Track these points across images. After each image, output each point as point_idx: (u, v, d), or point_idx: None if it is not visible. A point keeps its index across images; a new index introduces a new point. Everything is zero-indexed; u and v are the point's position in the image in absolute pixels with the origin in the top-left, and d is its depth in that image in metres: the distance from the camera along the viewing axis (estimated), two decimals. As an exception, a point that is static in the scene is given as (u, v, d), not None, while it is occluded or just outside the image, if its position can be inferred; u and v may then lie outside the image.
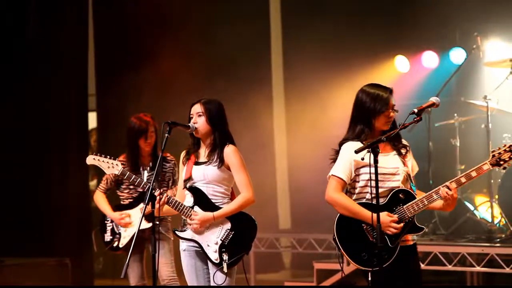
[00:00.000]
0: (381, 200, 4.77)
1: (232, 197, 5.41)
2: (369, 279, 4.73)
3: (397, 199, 4.80)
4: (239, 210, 5.33)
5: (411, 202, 4.78)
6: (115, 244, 6.59)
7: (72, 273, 9.07)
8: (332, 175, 4.99)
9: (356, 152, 4.72)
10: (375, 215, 4.62)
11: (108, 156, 6.06)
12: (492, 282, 8.54)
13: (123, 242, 6.55)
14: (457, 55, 9.20)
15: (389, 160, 4.88)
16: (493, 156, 4.65)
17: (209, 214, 5.28)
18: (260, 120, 10.48)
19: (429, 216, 8.29)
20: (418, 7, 9.34)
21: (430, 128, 8.42)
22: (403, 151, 4.91)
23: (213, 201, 5.33)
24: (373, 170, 4.63)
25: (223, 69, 10.39)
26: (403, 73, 9.87)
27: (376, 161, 4.63)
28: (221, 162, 5.30)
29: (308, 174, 10.30)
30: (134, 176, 6.08)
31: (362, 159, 4.68)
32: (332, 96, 10.09)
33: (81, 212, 9.88)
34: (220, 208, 5.31)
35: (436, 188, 4.76)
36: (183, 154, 5.49)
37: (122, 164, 6.42)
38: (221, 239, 5.28)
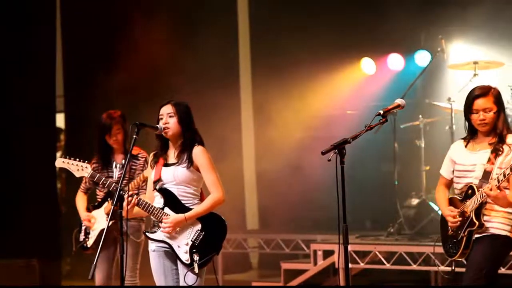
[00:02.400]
0: (462, 195, 5.09)
1: (201, 197, 5.41)
2: (453, 268, 5.27)
3: (467, 194, 5.06)
4: (210, 211, 5.34)
5: (471, 198, 5.00)
6: (85, 244, 6.59)
7: (39, 274, 9.01)
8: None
9: (323, 153, 4.74)
10: (442, 209, 5.23)
11: (78, 159, 6.05)
12: (456, 282, 8.62)
13: (90, 242, 6.54)
14: (422, 58, 9.29)
15: (469, 157, 5.10)
16: None
17: (181, 216, 5.28)
18: (228, 121, 10.48)
19: (394, 217, 8.35)
20: (384, 11, 9.41)
21: (396, 129, 8.48)
22: (500, 150, 5.00)
23: (183, 202, 5.33)
24: (458, 167, 5.11)
25: (191, 70, 10.37)
26: (370, 75, 9.94)
27: (342, 162, 4.66)
28: (190, 163, 5.31)
29: (276, 175, 10.35)
30: (104, 178, 6.06)
31: (329, 160, 4.71)
32: (299, 97, 10.14)
33: (49, 213, 9.80)
34: (190, 209, 5.32)
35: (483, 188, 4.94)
36: (151, 156, 5.50)
37: (95, 162, 6.43)
38: (191, 240, 5.29)
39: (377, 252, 7.76)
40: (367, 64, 9.92)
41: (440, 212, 8.05)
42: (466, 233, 5.02)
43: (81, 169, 6.01)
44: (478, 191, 4.96)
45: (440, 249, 7.38)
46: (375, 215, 9.53)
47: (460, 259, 5.15)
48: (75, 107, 10.63)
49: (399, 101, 5.02)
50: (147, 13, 10.34)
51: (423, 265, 7.59)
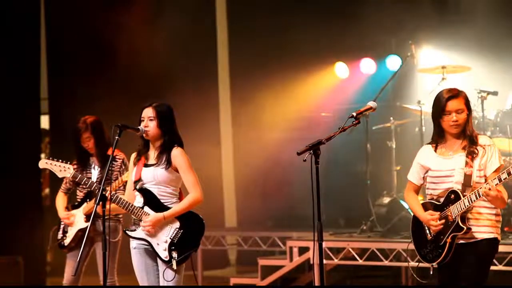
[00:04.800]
0: (441, 200, 4.91)
1: (180, 197, 5.40)
2: (431, 273, 5.04)
3: (449, 199, 4.88)
4: (188, 210, 5.33)
5: (456, 203, 4.83)
6: (62, 242, 6.57)
7: (24, 271, 8.96)
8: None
9: (298, 154, 4.73)
10: (419, 214, 5.01)
11: (60, 160, 6.03)
12: (425, 276, 8.67)
13: (67, 241, 6.52)
14: (393, 62, 9.34)
15: (444, 163, 4.93)
16: None
17: (160, 215, 5.27)
18: (207, 121, 10.47)
19: (367, 214, 8.38)
20: (357, 17, 9.45)
21: (368, 131, 8.51)
22: (475, 153, 4.86)
23: (162, 201, 5.32)
24: (434, 173, 4.94)
25: (172, 73, 10.36)
26: (343, 79, 9.98)
27: (316, 162, 4.65)
28: (169, 164, 5.29)
29: (253, 174, 10.36)
30: (85, 178, 6.03)
31: (304, 160, 4.70)
32: (275, 99, 10.16)
33: (33, 212, 9.74)
34: (169, 208, 5.31)
35: (477, 188, 4.76)
36: (133, 155, 5.48)
37: (75, 164, 6.39)
38: (170, 238, 5.28)
39: (350, 249, 7.77)
40: (340, 68, 9.96)
41: (411, 211, 8.18)
42: (450, 238, 4.83)
43: (64, 169, 5.99)
44: (463, 196, 4.79)
45: (411, 246, 7.45)
46: (349, 213, 9.56)
47: (439, 263, 4.95)
48: (59, 109, 10.56)
49: (371, 103, 5.02)
50: (132, 20, 10.30)
51: (394, 261, 7.61)
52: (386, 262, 7.62)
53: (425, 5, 8.96)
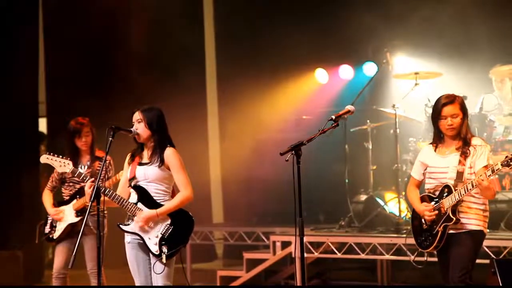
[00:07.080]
0: (436, 193, 5.12)
1: (172, 195, 5.42)
2: (425, 259, 5.31)
3: (443, 193, 5.08)
4: (179, 207, 5.35)
5: (448, 197, 5.03)
6: (51, 236, 6.63)
7: (23, 265, 8.92)
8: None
9: (281, 154, 4.76)
10: (416, 206, 5.22)
11: (60, 156, 6.05)
12: (399, 269, 8.73)
13: (56, 234, 6.58)
14: (370, 69, 9.36)
15: (441, 161, 5.15)
16: (506, 157, 4.86)
17: (153, 212, 5.30)
18: (195, 121, 10.47)
19: (345, 211, 8.41)
20: (336, 26, 9.49)
21: (346, 132, 8.53)
22: (467, 153, 5.07)
23: (155, 198, 5.35)
24: (431, 169, 5.16)
25: (164, 76, 10.35)
26: (323, 84, 10.01)
27: (298, 162, 4.67)
28: (161, 162, 5.32)
29: (239, 174, 10.37)
30: (83, 174, 6.05)
31: (287, 160, 4.73)
32: (260, 102, 10.18)
33: (32, 207, 9.70)
34: (162, 205, 5.33)
35: (466, 184, 4.97)
36: (128, 155, 5.51)
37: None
38: (161, 233, 5.30)
39: (329, 243, 7.80)
40: (320, 74, 9.98)
41: (386, 207, 8.23)
42: (441, 228, 5.03)
43: (63, 165, 6.02)
44: (455, 190, 5.00)
45: (384, 240, 7.51)
46: (328, 210, 9.58)
47: (432, 251, 5.17)
48: (56, 112, 10.51)
49: (349, 107, 5.05)
50: (127, 23, 10.27)
51: (370, 254, 7.65)
52: (362, 256, 7.66)
53: (400, 15, 9.00)
